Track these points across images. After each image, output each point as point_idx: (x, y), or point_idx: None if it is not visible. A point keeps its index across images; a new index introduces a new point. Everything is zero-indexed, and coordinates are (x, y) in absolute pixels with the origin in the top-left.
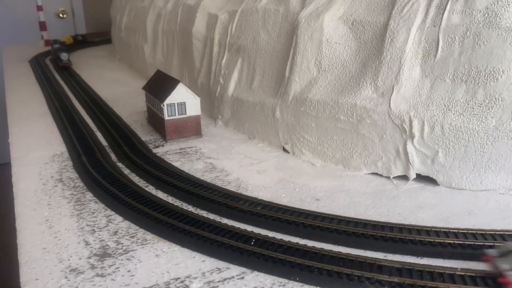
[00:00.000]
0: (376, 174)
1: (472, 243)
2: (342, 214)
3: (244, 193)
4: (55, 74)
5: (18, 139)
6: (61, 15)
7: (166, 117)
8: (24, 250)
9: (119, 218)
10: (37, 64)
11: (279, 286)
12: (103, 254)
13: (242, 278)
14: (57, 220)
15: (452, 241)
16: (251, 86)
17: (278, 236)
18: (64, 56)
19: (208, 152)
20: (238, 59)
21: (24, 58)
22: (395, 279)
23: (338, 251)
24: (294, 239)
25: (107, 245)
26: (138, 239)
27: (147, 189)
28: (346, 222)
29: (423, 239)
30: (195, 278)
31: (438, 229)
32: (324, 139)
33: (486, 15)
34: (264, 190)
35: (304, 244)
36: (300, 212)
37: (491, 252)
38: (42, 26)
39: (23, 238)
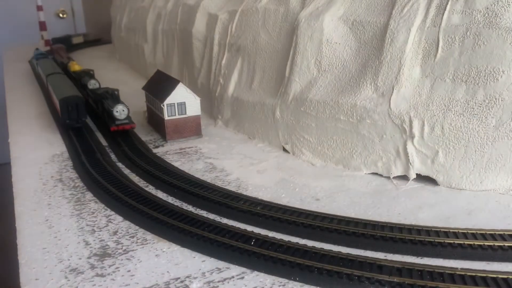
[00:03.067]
0: (376, 174)
1: (472, 243)
2: (342, 214)
3: (244, 193)
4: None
5: (18, 139)
6: (61, 15)
7: (166, 117)
8: (24, 250)
9: (119, 218)
10: None
11: (279, 286)
12: (103, 254)
13: (242, 278)
14: (57, 220)
15: (452, 241)
16: (251, 86)
17: (278, 236)
18: (120, 111)
19: (208, 152)
20: (238, 59)
21: (24, 58)
22: (395, 279)
23: (338, 251)
24: (294, 239)
25: (107, 245)
26: (138, 239)
27: (147, 189)
28: (346, 222)
29: (423, 239)
30: (195, 278)
31: (438, 229)
32: (324, 139)
33: (486, 15)
34: (264, 190)
35: (304, 244)
36: (300, 212)
37: None
38: (42, 26)
39: (23, 238)
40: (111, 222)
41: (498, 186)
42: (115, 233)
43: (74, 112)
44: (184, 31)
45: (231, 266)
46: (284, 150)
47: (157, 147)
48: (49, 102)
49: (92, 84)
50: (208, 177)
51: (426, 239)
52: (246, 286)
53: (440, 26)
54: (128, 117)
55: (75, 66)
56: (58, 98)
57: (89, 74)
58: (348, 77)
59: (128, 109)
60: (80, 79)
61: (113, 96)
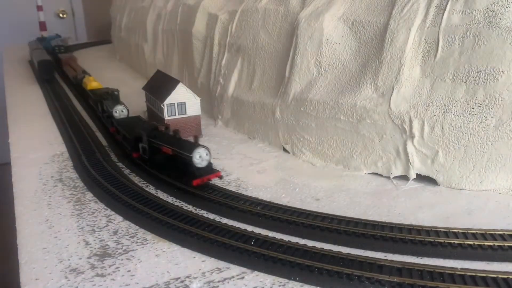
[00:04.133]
0: (376, 174)
1: (472, 243)
2: (342, 214)
3: (244, 193)
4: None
5: (18, 139)
6: (61, 15)
7: (166, 117)
8: (24, 250)
9: (119, 218)
10: None
11: (279, 286)
12: (103, 254)
13: (242, 278)
14: (57, 220)
15: (452, 241)
16: (251, 86)
17: (278, 236)
18: (203, 156)
19: None
20: (238, 59)
21: (24, 58)
22: (395, 279)
23: (338, 251)
24: (294, 239)
25: (107, 245)
26: (138, 239)
27: (147, 189)
28: (346, 222)
29: (423, 239)
30: (195, 278)
31: (438, 229)
32: (324, 139)
33: (486, 15)
34: (264, 190)
35: (304, 244)
36: (300, 212)
37: None
38: (42, 26)
39: (23, 238)
40: (111, 222)
41: (498, 186)
42: (115, 233)
43: (48, 70)
44: (184, 31)
45: (231, 266)
46: (284, 150)
47: None
48: (33, 67)
49: (119, 111)
50: None
51: (426, 239)
52: (246, 286)
53: (440, 26)
54: (210, 163)
55: (93, 83)
56: (37, 61)
57: (113, 95)
58: (348, 77)
59: (208, 150)
60: (100, 102)
61: (177, 137)
